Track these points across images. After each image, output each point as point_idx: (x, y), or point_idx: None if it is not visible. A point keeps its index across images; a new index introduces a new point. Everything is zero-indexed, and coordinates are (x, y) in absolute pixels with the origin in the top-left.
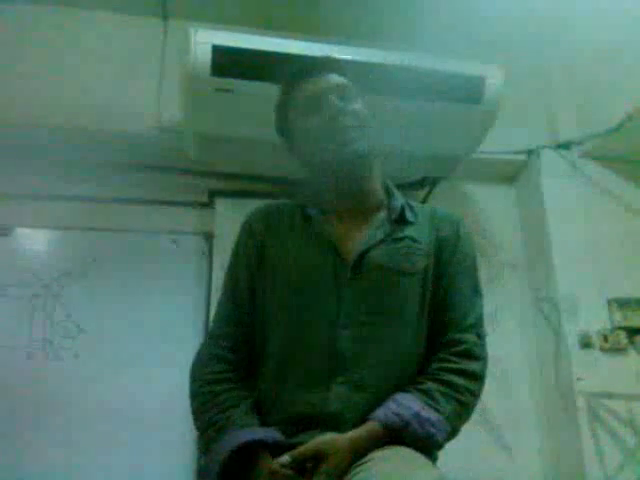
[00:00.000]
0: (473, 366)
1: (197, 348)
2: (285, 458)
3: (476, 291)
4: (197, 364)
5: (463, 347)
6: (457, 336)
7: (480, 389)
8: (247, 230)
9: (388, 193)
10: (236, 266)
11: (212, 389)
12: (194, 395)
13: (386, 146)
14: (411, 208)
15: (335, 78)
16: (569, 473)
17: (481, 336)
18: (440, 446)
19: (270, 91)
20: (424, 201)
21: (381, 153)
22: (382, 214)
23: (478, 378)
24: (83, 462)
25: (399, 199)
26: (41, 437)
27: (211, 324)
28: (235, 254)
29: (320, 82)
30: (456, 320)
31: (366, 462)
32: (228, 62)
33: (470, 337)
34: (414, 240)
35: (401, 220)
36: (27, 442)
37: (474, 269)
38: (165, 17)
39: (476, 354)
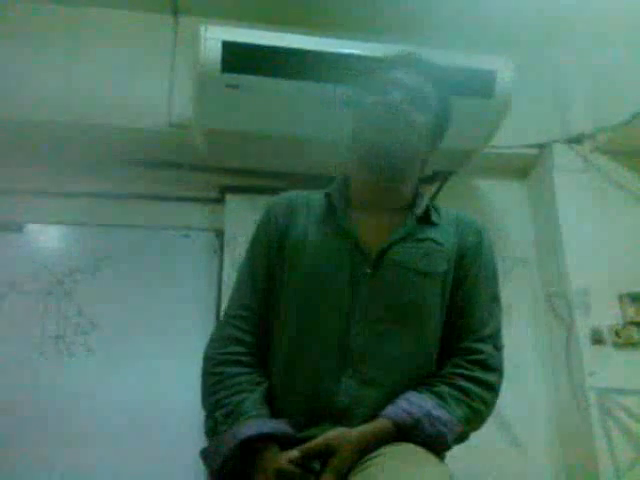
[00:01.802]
0: (488, 377)
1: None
2: (293, 453)
3: (495, 300)
4: (211, 344)
5: (479, 357)
6: (474, 345)
7: (494, 400)
8: (269, 216)
9: (416, 197)
10: (255, 252)
11: (224, 370)
12: (206, 375)
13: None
14: (436, 210)
15: (410, 78)
16: (581, 469)
17: (498, 347)
18: (448, 447)
19: (280, 87)
20: (435, 196)
21: (416, 161)
22: (407, 214)
23: (492, 389)
24: (97, 458)
25: (425, 200)
26: (54, 433)
27: (227, 305)
28: (255, 240)
29: (395, 74)
30: (474, 328)
31: (375, 457)
32: (238, 58)
33: (487, 348)
34: (437, 243)
35: (425, 220)
36: (40, 438)
37: (494, 278)
38: (175, 13)
39: (492, 365)
